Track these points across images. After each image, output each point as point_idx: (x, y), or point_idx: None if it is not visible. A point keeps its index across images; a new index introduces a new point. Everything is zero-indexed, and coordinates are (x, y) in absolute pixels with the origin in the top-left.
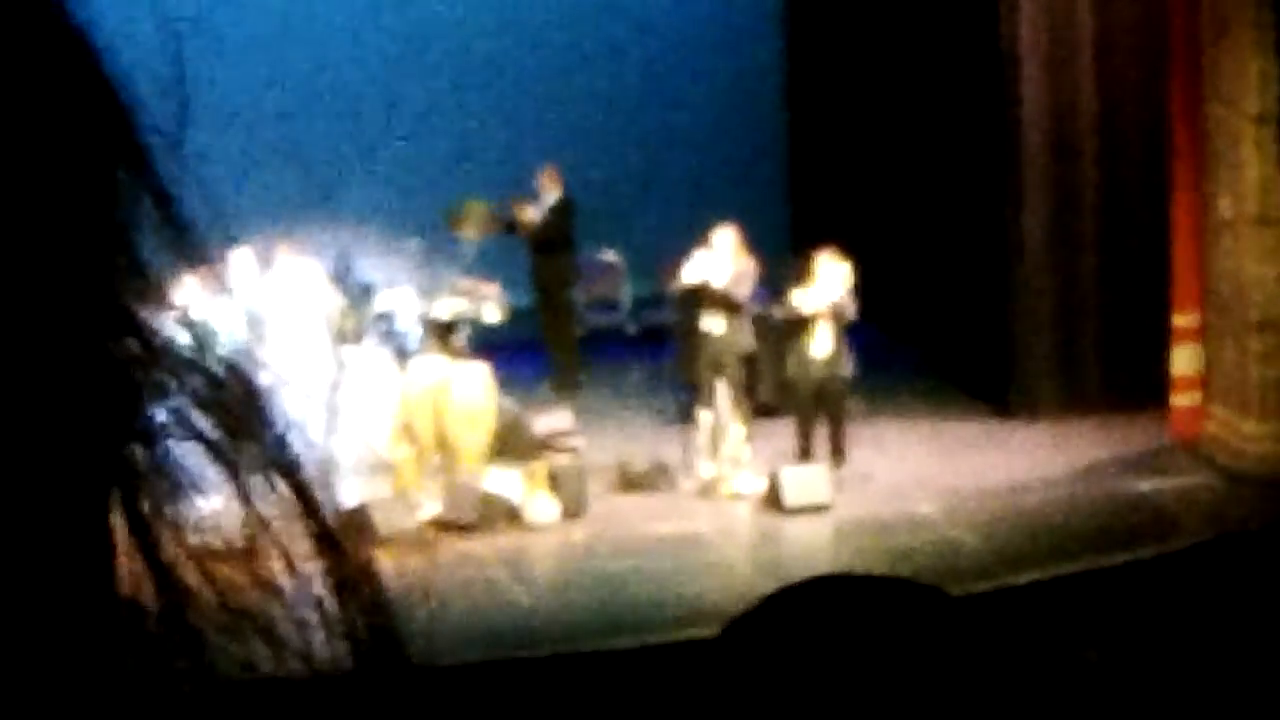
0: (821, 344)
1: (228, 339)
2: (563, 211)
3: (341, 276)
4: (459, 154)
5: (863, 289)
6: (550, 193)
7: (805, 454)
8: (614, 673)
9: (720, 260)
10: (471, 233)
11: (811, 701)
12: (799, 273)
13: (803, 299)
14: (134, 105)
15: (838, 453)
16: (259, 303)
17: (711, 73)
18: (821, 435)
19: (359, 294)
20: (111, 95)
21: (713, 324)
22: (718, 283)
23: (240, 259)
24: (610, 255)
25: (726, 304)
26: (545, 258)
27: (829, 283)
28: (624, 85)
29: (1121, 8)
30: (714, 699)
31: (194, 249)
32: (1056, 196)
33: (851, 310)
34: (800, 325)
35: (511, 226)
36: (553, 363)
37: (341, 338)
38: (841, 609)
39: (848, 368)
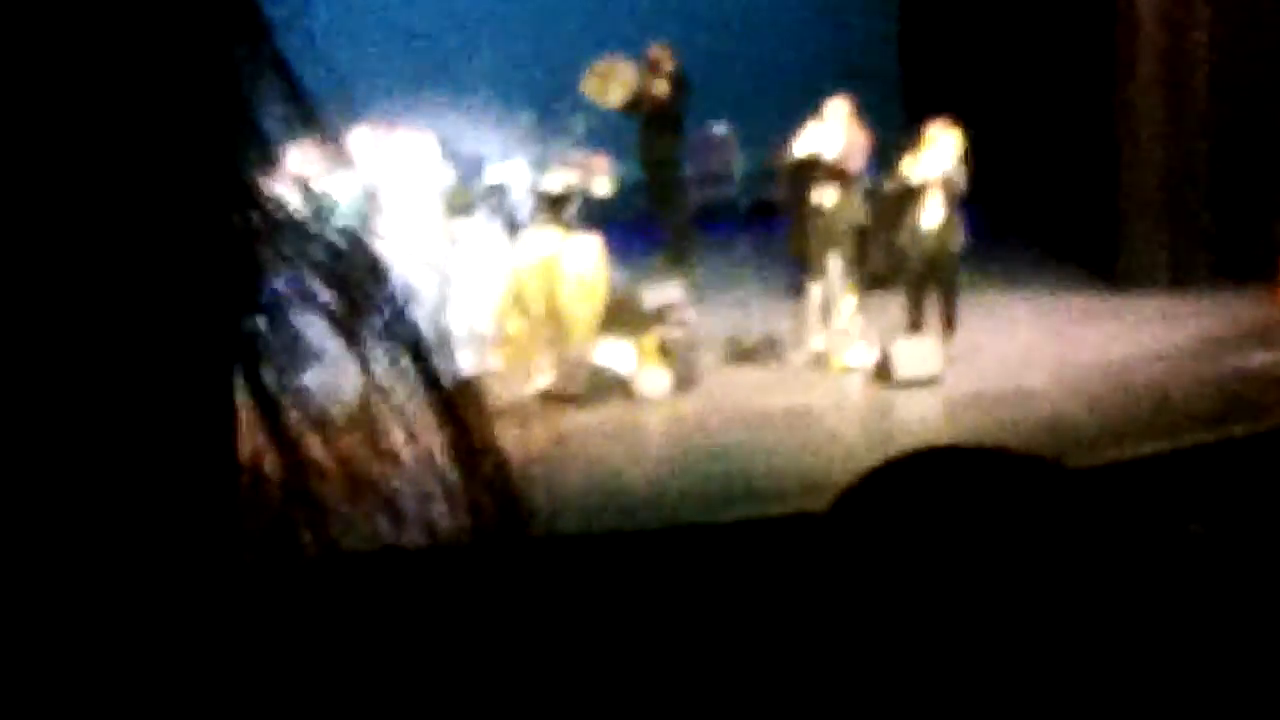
0: (932, 215)
1: (349, 210)
2: (679, 86)
3: (453, 150)
4: (569, 24)
5: (973, 163)
6: (664, 67)
7: (916, 326)
8: (725, 546)
9: (832, 131)
10: (615, 98)
11: (920, 574)
12: (910, 144)
13: (913, 168)
14: None
15: (948, 325)
16: (375, 177)
17: None
18: (932, 308)
19: (470, 167)
20: None
21: (824, 196)
22: (829, 154)
23: (358, 136)
24: (721, 129)
25: (839, 175)
26: (658, 133)
27: (939, 153)
28: None
29: None
30: (822, 573)
31: (314, 122)
32: (1167, 69)
33: (963, 181)
34: (911, 196)
35: (638, 100)
36: (666, 237)
37: (453, 211)
38: (948, 481)
39: (959, 239)
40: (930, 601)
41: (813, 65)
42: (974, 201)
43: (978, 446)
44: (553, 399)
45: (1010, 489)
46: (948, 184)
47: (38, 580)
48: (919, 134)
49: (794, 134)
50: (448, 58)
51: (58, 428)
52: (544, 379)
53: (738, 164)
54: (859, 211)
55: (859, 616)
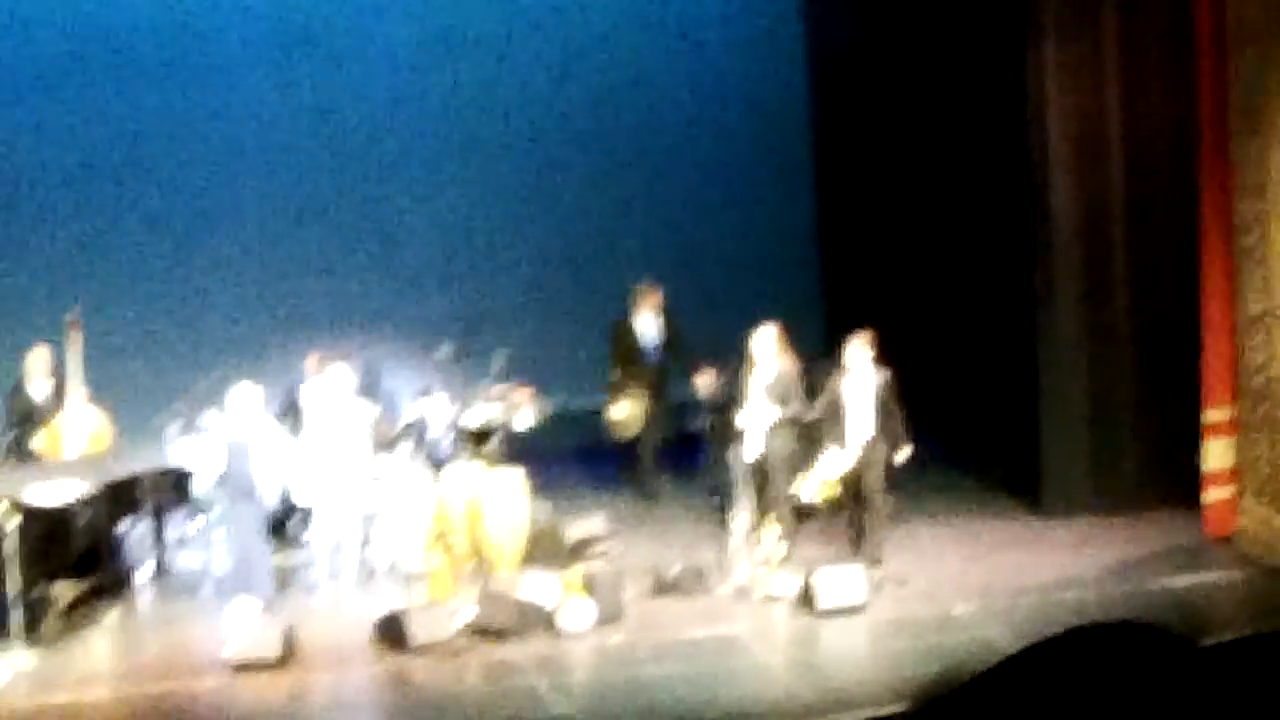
0: (861, 434)
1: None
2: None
3: (372, 386)
4: (485, 258)
5: (897, 387)
6: (650, 314)
7: (856, 542)
8: None
9: (763, 361)
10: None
11: None
12: (834, 368)
13: (841, 389)
14: None
15: (876, 552)
16: (305, 409)
17: (740, 175)
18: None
19: (390, 402)
20: None
21: (755, 426)
22: (760, 384)
23: (240, 394)
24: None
25: (780, 402)
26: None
27: (864, 373)
28: (652, 189)
29: (1149, 105)
30: None
31: None
32: (1087, 292)
33: (892, 387)
34: (835, 418)
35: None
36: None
37: (376, 446)
38: (1092, 660)
39: (883, 459)
40: None
41: (733, 295)
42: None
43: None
44: (478, 633)
45: (1151, 666)
46: (881, 396)
47: None
48: (840, 356)
49: (713, 363)
50: (366, 287)
51: None
52: (468, 613)
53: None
54: (790, 440)
55: None
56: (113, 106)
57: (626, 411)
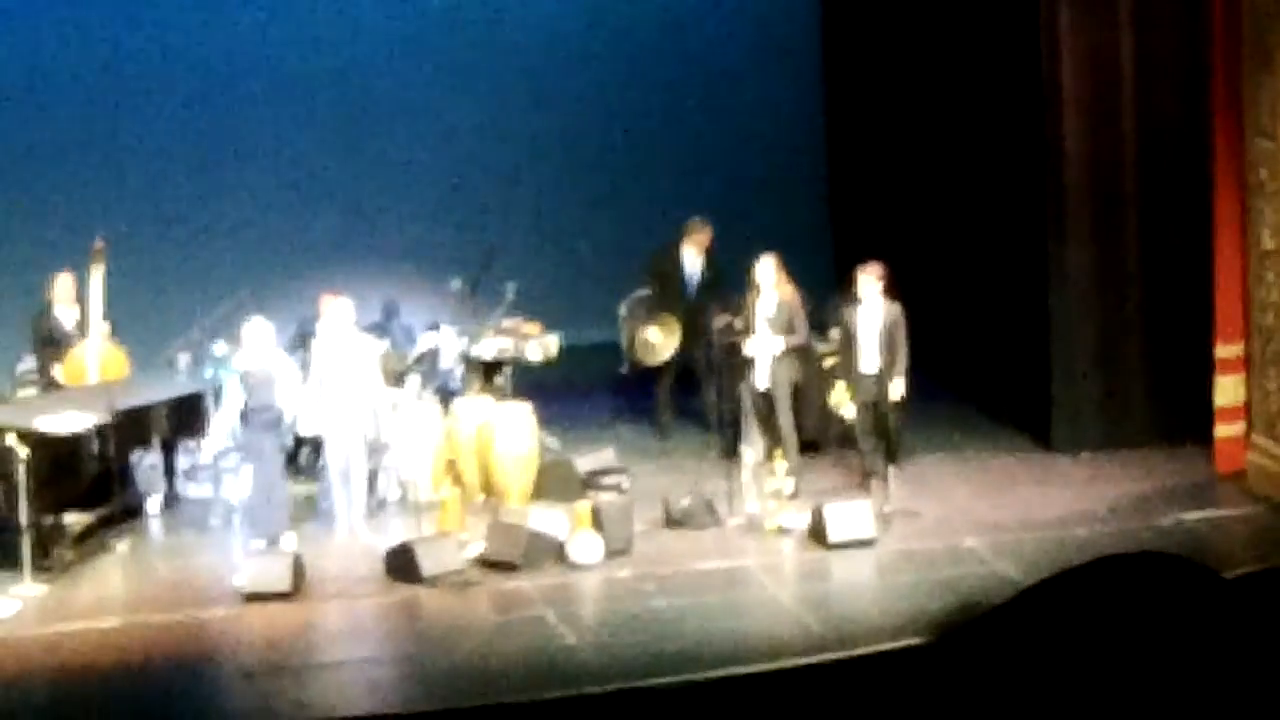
0: (870, 363)
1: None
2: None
3: (385, 319)
4: (496, 190)
5: (908, 325)
6: (695, 251)
7: (866, 477)
8: (660, 710)
9: (764, 291)
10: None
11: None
12: (845, 297)
13: (852, 319)
14: None
15: (890, 464)
16: (314, 347)
17: (751, 110)
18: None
19: (402, 335)
20: None
21: (761, 356)
22: (764, 314)
23: (255, 328)
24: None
25: (783, 331)
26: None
27: (874, 302)
28: (664, 124)
29: (1162, 42)
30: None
31: None
32: (1098, 230)
33: (900, 320)
34: (847, 349)
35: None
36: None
37: (387, 378)
38: (1120, 588)
39: (899, 388)
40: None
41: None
42: (913, 368)
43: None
44: (487, 565)
45: (1176, 595)
46: (887, 331)
47: None
48: (851, 286)
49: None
50: (377, 223)
51: None
52: (478, 545)
53: None
54: (796, 369)
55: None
56: (132, 34)
57: (661, 337)
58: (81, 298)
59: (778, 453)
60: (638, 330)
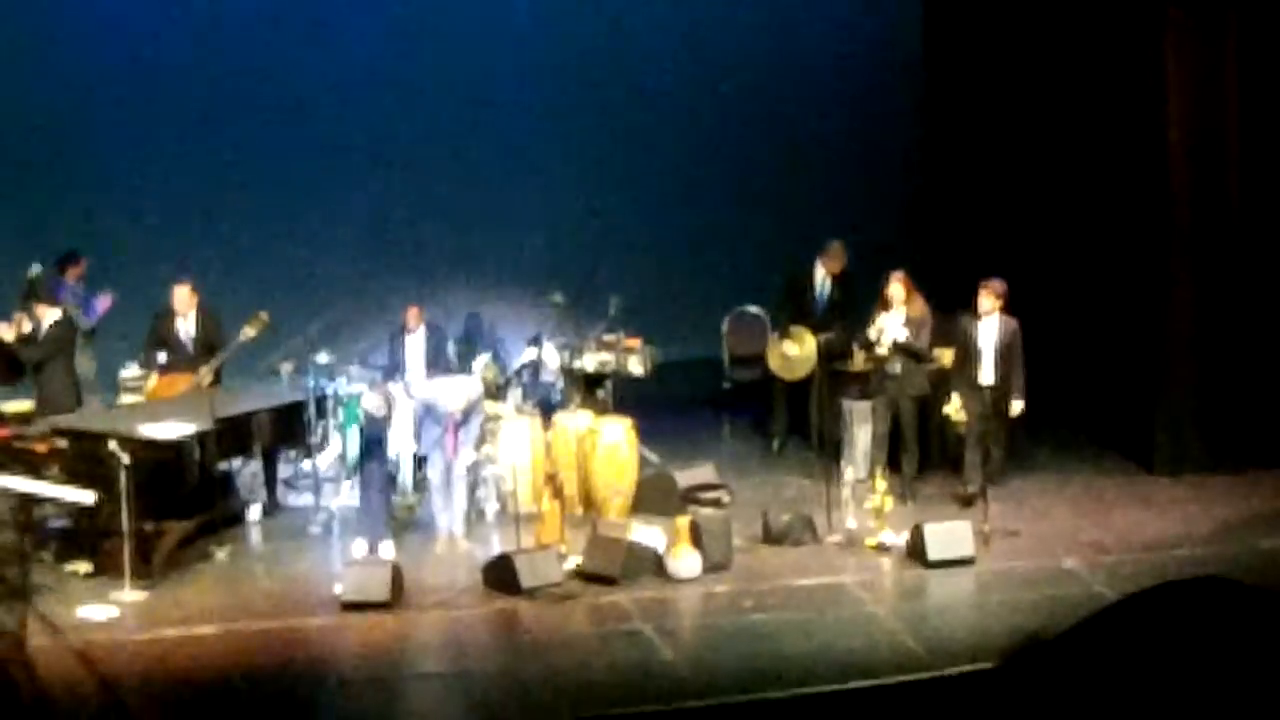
0: (988, 375)
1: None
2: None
3: (487, 331)
4: (600, 204)
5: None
6: (828, 274)
7: (968, 495)
8: None
9: (894, 305)
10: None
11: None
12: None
13: (970, 332)
14: None
15: (992, 483)
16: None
17: (854, 127)
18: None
19: (504, 348)
20: None
21: (891, 368)
22: (896, 334)
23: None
24: (754, 309)
25: (906, 352)
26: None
27: (992, 315)
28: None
29: (1267, 90)
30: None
31: None
32: (1203, 260)
33: (1018, 336)
34: (963, 364)
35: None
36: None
37: (487, 392)
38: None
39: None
40: None
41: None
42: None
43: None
44: (586, 578)
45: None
46: (1005, 346)
47: None
48: (971, 304)
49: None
50: (481, 235)
51: None
52: (577, 558)
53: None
54: (923, 385)
55: None
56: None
57: (798, 350)
58: (204, 318)
59: (879, 470)
60: (774, 346)
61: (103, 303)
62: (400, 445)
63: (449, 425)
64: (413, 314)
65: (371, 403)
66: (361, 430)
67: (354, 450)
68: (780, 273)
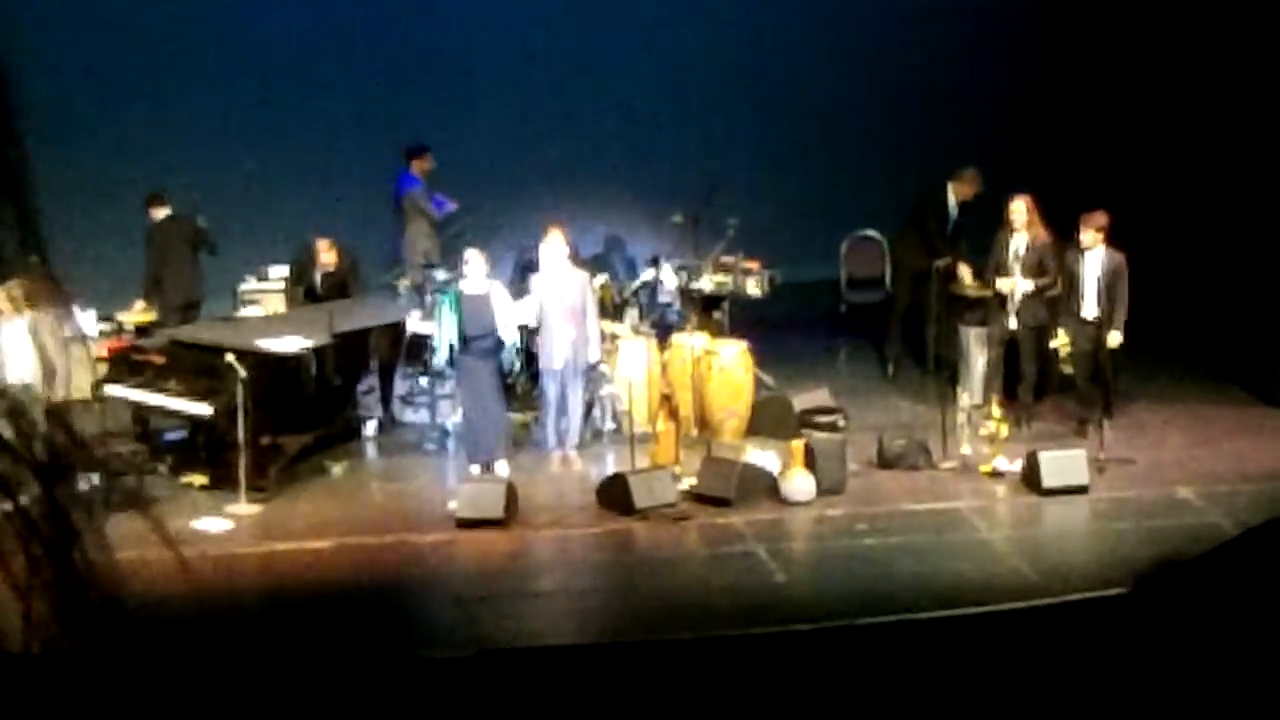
0: (1091, 308)
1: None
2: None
3: (606, 250)
4: (720, 126)
5: (1131, 278)
6: (957, 198)
7: (1083, 423)
8: (868, 649)
9: (1017, 230)
10: None
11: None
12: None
13: (1076, 264)
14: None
15: (1106, 411)
16: (533, 277)
17: (975, 49)
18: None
19: (623, 268)
20: None
21: (1010, 296)
22: (1020, 255)
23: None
24: (872, 233)
25: (1032, 273)
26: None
27: (1096, 248)
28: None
29: None
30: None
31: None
32: None
33: (1123, 269)
34: (1071, 293)
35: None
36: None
37: (605, 311)
38: None
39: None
40: None
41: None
42: (1136, 318)
43: None
44: (700, 499)
45: None
46: (1109, 279)
47: None
48: (1076, 232)
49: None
50: (602, 156)
51: None
52: (691, 479)
53: (887, 268)
54: (1043, 313)
55: None
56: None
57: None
58: (345, 272)
59: (994, 397)
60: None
61: (451, 204)
62: (511, 355)
63: (570, 341)
64: (549, 226)
65: (528, 311)
66: (458, 320)
67: (448, 341)
68: (897, 196)
